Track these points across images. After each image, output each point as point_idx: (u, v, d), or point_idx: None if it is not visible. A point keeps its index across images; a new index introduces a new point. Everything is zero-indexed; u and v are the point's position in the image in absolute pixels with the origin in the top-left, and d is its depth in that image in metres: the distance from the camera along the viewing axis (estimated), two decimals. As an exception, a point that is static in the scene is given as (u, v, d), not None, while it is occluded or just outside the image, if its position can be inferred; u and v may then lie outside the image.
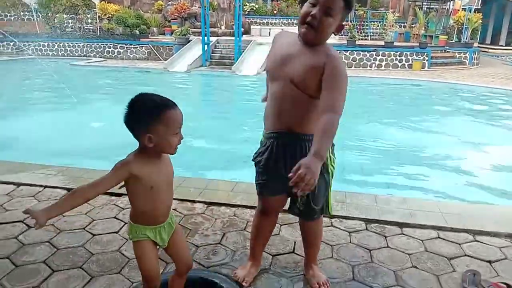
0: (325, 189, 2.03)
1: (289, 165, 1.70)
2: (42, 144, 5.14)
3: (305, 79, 1.80)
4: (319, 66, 1.77)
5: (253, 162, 2.14)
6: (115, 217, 3.00)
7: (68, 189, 3.46)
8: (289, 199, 2.14)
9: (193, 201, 3.22)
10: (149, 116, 1.55)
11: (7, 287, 2.16)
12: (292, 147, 1.93)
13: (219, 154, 5.25)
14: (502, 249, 2.65)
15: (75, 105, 7.16)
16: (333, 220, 2.99)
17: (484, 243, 2.72)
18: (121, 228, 2.82)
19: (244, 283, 2.21)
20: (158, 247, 1.78)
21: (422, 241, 2.74)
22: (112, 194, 3.37)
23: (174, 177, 1.77)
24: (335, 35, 1.97)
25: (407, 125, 7.12)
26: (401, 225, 2.93)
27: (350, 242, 2.70)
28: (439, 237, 2.79)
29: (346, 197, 3.34)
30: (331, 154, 1.99)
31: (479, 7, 19.33)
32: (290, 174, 1.53)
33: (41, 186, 3.51)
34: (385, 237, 2.78)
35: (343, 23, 1.91)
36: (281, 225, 2.88)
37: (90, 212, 3.08)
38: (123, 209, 3.12)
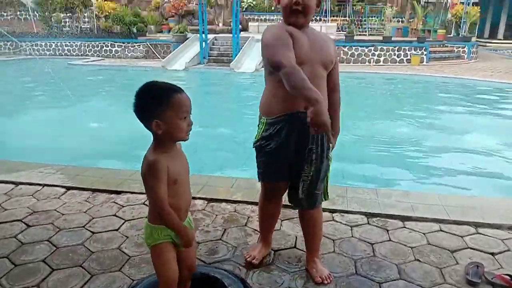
0: (325, 173, 2.13)
1: (299, 145, 1.99)
2: (41, 143, 5.11)
3: (332, 60, 2.06)
4: (332, 48, 2.09)
5: (254, 148, 2.17)
6: (114, 215, 2.97)
7: (67, 187, 3.44)
8: (288, 196, 2.24)
9: (194, 198, 3.19)
10: (155, 101, 1.54)
11: (6, 286, 2.14)
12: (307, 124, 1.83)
13: (219, 151, 5.23)
14: (504, 241, 2.64)
15: (73, 104, 7.12)
16: (334, 214, 2.97)
17: (487, 235, 2.70)
18: (121, 226, 2.80)
19: (254, 261, 2.33)
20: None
21: (424, 234, 2.72)
22: (111, 191, 3.35)
23: None
24: (316, 12, 2.19)
25: (406, 119, 7.10)
26: (403, 218, 2.91)
27: (352, 236, 2.68)
28: (441, 230, 2.77)
29: (347, 191, 3.33)
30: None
31: (477, 0, 19.30)
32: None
33: (40, 184, 3.49)
34: (387, 230, 2.76)
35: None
36: (282, 220, 2.86)
37: (89, 210, 3.06)
38: (123, 206, 3.10)
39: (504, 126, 6.69)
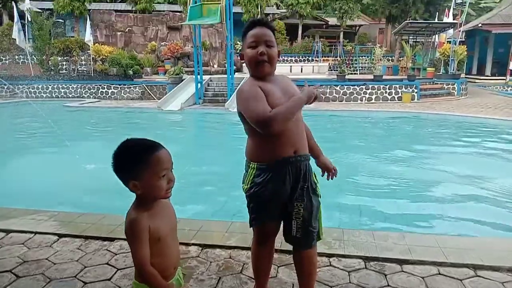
0: (317, 209, 2.17)
1: (294, 185, 2.08)
2: (33, 188, 5.05)
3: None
4: (294, 85, 2.20)
5: (246, 195, 2.18)
6: (107, 263, 2.90)
7: (59, 235, 3.39)
8: (284, 236, 2.24)
9: (188, 244, 3.15)
10: (131, 161, 1.50)
11: None
12: (298, 167, 2.09)
13: (214, 193, 5.19)
14: (504, 283, 2.59)
15: (67, 148, 7.12)
16: (331, 259, 2.92)
17: (486, 278, 2.66)
18: (113, 275, 2.73)
19: None
20: None
21: (423, 278, 2.67)
22: (104, 238, 3.29)
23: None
24: (278, 61, 2.21)
25: (400, 157, 7.14)
26: (400, 262, 2.87)
27: (350, 282, 2.63)
28: (439, 273, 2.73)
29: (344, 234, 3.29)
30: (316, 179, 2.20)
31: (463, 39, 20.00)
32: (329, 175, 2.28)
33: (31, 232, 3.43)
34: (385, 275, 2.71)
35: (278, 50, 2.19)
36: (278, 266, 2.81)
37: (81, 258, 3.00)
38: (116, 254, 3.04)
39: (499, 164, 6.71)
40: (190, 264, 2.86)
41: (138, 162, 1.50)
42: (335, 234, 3.26)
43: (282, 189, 2.08)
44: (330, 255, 2.95)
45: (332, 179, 2.36)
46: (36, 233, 3.42)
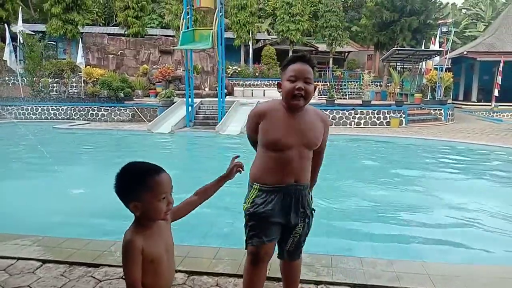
0: (310, 227, 2.39)
1: (293, 210, 2.24)
2: (17, 212, 4.95)
3: (316, 143, 2.25)
4: (322, 129, 2.29)
5: (246, 213, 2.29)
6: (91, 291, 2.84)
7: (43, 261, 3.31)
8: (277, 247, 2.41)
9: (174, 271, 3.10)
10: (133, 183, 1.57)
11: None
12: (297, 194, 2.26)
13: (202, 217, 5.14)
14: (491, 312, 2.59)
15: (54, 171, 7.03)
16: (319, 286, 2.90)
17: (473, 306, 2.66)
18: (97, 303, 2.67)
19: None
20: None
21: (410, 306, 2.66)
22: (89, 265, 3.23)
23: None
24: (313, 96, 2.36)
25: (388, 182, 7.18)
26: (388, 289, 2.86)
27: (337, 311, 2.61)
28: (427, 301, 2.72)
29: (332, 260, 3.28)
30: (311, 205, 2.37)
31: (449, 66, 20.52)
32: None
33: (13, 258, 3.35)
34: (373, 303, 2.70)
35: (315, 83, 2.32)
36: (265, 293, 2.78)
37: (65, 285, 2.93)
38: (100, 281, 2.98)
39: (487, 190, 6.79)
40: (176, 292, 2.81)
41: (139, 184, 1.56)
42: (324, 261, 3.25)
43: (284, 209, 2.23)
44: (318, 282, 2.93)
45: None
46: (18, 258, 3.34)
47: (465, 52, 23.83)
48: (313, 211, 2.38)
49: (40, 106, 16.84)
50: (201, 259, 3.33)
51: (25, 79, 18.85)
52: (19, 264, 3.27)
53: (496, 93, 21.18)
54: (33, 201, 5.52)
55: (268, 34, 33.67)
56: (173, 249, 1.73)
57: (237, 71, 25.65)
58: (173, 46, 18.98)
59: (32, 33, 21.36)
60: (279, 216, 2.23)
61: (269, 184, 2.22)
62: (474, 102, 25.22)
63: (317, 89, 22.97)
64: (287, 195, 2.22)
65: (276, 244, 2.35)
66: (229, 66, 25.13)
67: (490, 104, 22.29)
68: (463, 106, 23.90)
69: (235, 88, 22.61)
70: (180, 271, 3.10)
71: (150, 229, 1.61)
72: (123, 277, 1.59)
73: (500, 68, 20.71)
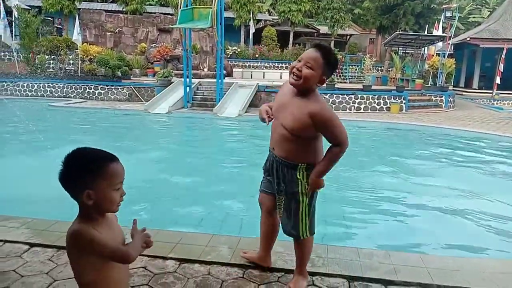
0: (296, 211, 2.56)
1: (275, 174, 2.59)
2: (6, 192, 4.83)
3: (292, 127, 2.40)
4: (305, 120, 2.34)
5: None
6: (78, 277, 2.75)
7: (31, 244, 3.22)
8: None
9: (165, 258, 3.00)
10: (88, 170, 1.44)
11: None
12: (274, 163, 2.60)
13: (195, 202, 5.04)
14: (491, 308, 2.52)
15: (47, 150, 6.89)
16: (314, 277, 2.81)
17: (472, 302, 2.58)
18: (84, 291, 2.58)
19: (243, 255, 2.94)
20: None
21: (408, 300, 2.58)
22: (78, 250, 3.13)
23: (147, 229, 1.62)
24: (318, 86, 2.45)
25: (387, 170, 7.08)
26: (385, 282, 2.77)
27: (333, 304, 2.52)
28: (425, 296, 2.64)
29: (328, 250, 3.19)
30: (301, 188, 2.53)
31: (452, 52, 20.22)
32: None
33: (0, 240, 3.25)
34: (369, 296, 2.61)
35: (325, 77, 2.43)
36: (259, 284, 2.69)
37: (52, 271, 2.83)
38: (89, 267, 2.88)
39: (487, 181, 6.69)
40: (166, 281, 2.72)
41: (95, 171, 1.44)
42: (319, 251, 3.15)
43: (269, 171, 2.66)
44: (313, 274, 2.84)
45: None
46: (5, 241, 3.24)
47: (468, 38, 23.50)
48: (297, 196, 2.53)
49: (36, 83, 16.56)
50: (194, 246, 3.23)
51: (21, 55, 18.51)
52: (6, 247, 3.17)
53: (498, 80, 20.98)
54: (23, 181, 5.40)
55: (269, 15, 33.07)
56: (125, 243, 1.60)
57: (236, 51, 25.26)
58: (171, 25, 18.61)
59: (28, 7, 20.87)
60: (270, 175, 2.65)
61: (270, 144, 2.65)
62: (475, 89, 25.02)
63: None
64: (270, 158, 2.65)
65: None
66: (229, 47, 24.75)
67: (491, 91, 22.11)
68: (464, 93, 23.71)
69: (234, 70, 22.30)
70: (171, 258, 3.00)
71: (99, 223, 1.50)
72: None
73: (503, 56, 20.46)
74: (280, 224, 2.71)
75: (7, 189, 5.01)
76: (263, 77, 21.65)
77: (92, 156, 1.48)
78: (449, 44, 19.26)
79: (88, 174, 1.43)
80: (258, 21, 30.03)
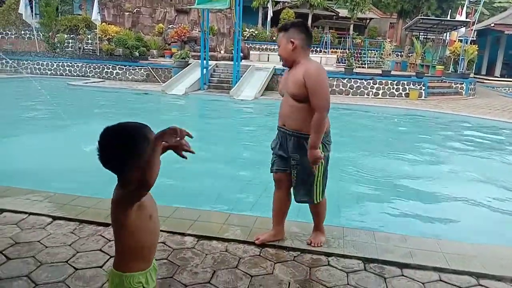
0: (309, 177, 2.77)
1: (288, 150, 2.81)
2: (30, 167, 4.96)
3: (293, 92, 2.70)
4: (300, 80, 2.64)
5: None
6: (100, 250, 2.84)
7: (54, 217, 3.32)
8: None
9: (183, 234, 3.07)
10: (135, 140, 1.40)
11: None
12: (288, 138, 2.80)
13: (213, 182, 5.10)
14: (507, 295, 2.51)
15: (68, 127, 7.02)
16: (330, 258, 2.84)
17: (488, 288, 2.58)
18: (105, 263, 2.67)
19: (256, 241, 2.95)
20: None
21: (423, 283, 2.60)
22: (99, 223, 3.22)
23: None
24: (292, 51, 2.75)
25: (404, 156, 7.01)
26: (401, 265, 2.79)
27: (348, 284, 2.56)
28: (440, 280, 2.65)
29: (344, 232, 3.21)
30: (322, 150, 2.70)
31: (474, 38, 19.66)
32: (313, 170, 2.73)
33: (25, 213, 3.36)
34: (385, 278, 2.64)
35: (292, 40, 2.73)
36: (275, 263, 2.74)
37: (74, 243, 2.93)
38: (110, 240, 2.96)
39: (505, 169, 6.58)
40: (184, 256, 2.79)
41: (141, 140, 1.41)
42: (335, 233, 3.18)
43: (281, 147, 2.87)
44: (329, 254, 2.88)
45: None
46: (30, 214, 3.36)
47: (492, 24, 22.79)
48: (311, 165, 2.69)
49: (55, 62, 16.76)
50: (211, 223, 3.30)
51: (41, 34, 18.69)
52: (30, 219, 3.29)
53: (521, 68, 20.38)
54: (46, 157, 5.53)
55: (288, -3, 32.53)
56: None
57: (254, 34, 25.00)
58: (189, 5, 18.49)
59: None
60: (281, 150, 2.87)
61: (278, 124, 2.90)
62: (497, 77, 24.36)
63: (335, 56, 22.44)
64: (280, 134, 2.88)
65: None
66: (246, 29, 24.50)
67: (514, 80, 21.51)
68: (485, 81, 23.11)
69: (251, 52, 22.14)
70: (190, 235, 3.07)
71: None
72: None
73: (529, 43, 19.81)
74: (293, 195, 2.93)
75: (30, 163, 5.15)
76: (280, 60, 21.43)
77: (130, 127, 1.44)
78: (472, 30, 18.70)
79: (134, 144, 1.39)
80: (277, 3, 29.59)
